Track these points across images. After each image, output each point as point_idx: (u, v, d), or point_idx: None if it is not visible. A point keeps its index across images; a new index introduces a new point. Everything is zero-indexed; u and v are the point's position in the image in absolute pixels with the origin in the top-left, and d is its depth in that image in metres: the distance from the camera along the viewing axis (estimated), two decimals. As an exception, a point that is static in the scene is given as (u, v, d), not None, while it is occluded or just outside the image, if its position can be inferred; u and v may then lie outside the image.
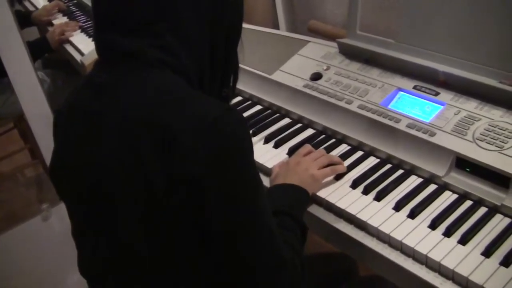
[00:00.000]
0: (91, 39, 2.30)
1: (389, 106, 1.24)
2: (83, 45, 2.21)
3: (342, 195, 1.09)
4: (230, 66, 0.89)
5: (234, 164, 0.75)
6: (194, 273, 0.81)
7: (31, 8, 2.79)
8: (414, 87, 1.25)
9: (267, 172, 1.21)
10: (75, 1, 2.70)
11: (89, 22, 2.45)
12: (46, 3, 2.80)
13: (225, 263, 0.79)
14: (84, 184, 0.82)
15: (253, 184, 0.78)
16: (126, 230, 0.79)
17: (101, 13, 0.81)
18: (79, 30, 2.38)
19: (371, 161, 1.19)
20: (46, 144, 1.83)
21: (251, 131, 1.33)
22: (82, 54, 2.14)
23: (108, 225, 0.82)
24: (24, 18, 2.53)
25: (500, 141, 1.05)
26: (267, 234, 0.79)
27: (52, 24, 2.50)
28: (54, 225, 1.95)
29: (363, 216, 1.03)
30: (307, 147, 1.19)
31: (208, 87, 0.85)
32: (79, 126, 0.83)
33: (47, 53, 2.45)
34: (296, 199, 1.03)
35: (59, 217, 1.95)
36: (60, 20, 2.54)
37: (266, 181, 1.19)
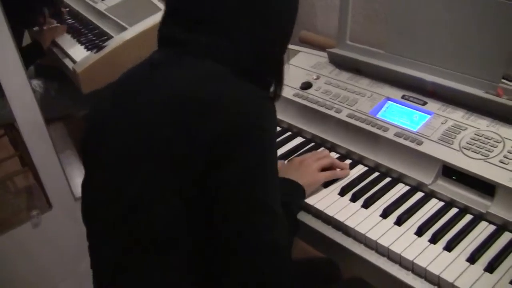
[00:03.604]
0: (79, 44, 2.30)
1: (378, 115, 1.25)
2: (73, 51, 2.21)
3: (331, 202, 1.10)
4: (273, 67, 0.99)
5: (255, 143, 0.81)
6: (195, 242, 0.84)
7: None
8: (402, 97, 1.27)
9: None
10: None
11: (77, 25, 2.46)
12: None
13: (222, 236, 0.81)
14: (116, 146, 0.90)
15: (266, 166, 0.83)
16: (145, 190, 0.84)
17: (168, 11, 0.94)
18: (66, 34, 2.39)
19: (359, 169, 1.21)
20: (37, 151, 1.83)
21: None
22: (73, 61, 2.14)
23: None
24: None
25: (486, 150, 1.07)
26: (269, 217, 0.82)
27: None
28: (44, 232, 1.94)
29: (351, 223, 1.04)
30: (315, 153, 1.22)
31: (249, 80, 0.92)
32: (125, 99, 0.92)
33: (40, 57, 2.45)
34: (291, 193, 1.05)
35: (48, 225, 1.94)
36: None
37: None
